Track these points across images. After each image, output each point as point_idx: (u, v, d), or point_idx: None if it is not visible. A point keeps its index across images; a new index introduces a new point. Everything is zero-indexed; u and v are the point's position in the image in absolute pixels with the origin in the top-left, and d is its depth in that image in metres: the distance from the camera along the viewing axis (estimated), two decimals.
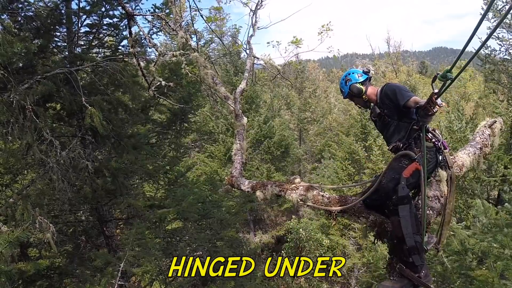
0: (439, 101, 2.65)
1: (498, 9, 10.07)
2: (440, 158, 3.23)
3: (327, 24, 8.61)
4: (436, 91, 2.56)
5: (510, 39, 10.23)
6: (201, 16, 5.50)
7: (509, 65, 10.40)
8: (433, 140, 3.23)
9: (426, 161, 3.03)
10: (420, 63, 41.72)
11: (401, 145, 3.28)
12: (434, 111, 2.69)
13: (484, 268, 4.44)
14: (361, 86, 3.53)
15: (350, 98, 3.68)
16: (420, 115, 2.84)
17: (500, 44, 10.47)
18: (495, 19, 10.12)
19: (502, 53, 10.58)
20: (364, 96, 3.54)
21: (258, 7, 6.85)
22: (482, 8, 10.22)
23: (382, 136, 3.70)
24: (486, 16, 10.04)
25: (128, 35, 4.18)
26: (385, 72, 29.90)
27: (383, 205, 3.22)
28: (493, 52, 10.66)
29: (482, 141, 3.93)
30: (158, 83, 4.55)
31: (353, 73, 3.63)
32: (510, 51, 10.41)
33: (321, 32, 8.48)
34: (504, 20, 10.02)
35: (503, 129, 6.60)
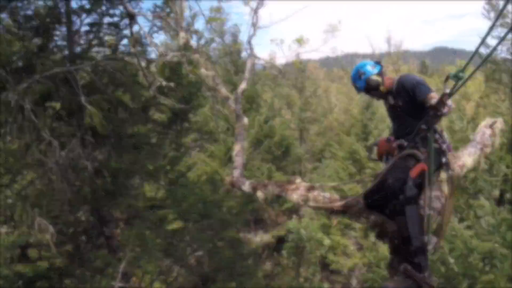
0: (449, 102, 2.58)
1: (499, 8, 10.04)
2: (443, 160, 3.15)
3: (335, 25, 8.57)
4: (447, 91, 2.51)
5: (511, 38, 10.19)
6: (203, 14, 5.49)
7: (511, 64, 10.35)
8: (439, 141, 3.15)
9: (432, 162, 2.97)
10: (421, 62, 41.60)
11: (405, 144, 3.20)
12: (444, 112, 2.64)
13: (488, 269, 4.41)
14: (378, 78, 3.40)
15: (367, 92, 3.54)
16: (429, 115, 2.80)
17: (501, 44, 10.43)
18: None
19: (504, 53, 10.55)
20: (382, 88, 3.39)
21: (259, 6, 6.82)
22: (484, 8, 10.18)
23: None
24: (488, 15, 10.03)
25: (130, 34, 4.17)
26: (386, 72, 29.79)
27: (385, 205, 3.19)
28: (495, 52, 10.62)
29: (483, 141, 3.91)
30: (159, 83, 4.54)
31: (365, 66, 3.47)
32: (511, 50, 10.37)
33: (328, 31, 8.44)
34: (506, 20, 9.99)
35: (504, 129, 6.57)
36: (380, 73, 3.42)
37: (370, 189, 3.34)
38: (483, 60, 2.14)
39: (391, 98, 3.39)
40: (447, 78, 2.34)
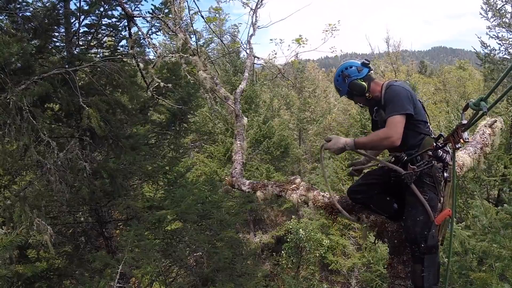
0: (465, 134, 2.28)
1: (497, 8, 10.06)
2: (445, 175, 2.88)
3: (334, 24, 8.59)
4: (464, 122, 2.23)
5: (509, 38, 10.22)
6: (201, 16, 5.50)
7: (509, 64, 10.37)
8: (443, 157, 2.84)
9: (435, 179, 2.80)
10: (420, 62, 41.70)
11: (405, 157, 2.88)
12: (458, 146, 2.35)
13: (484, 269, 4.42)
14: (363, 83, 3.00)
15: (350, 97, 3.18)
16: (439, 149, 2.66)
17: (499, 44, 10.45)
18: (494, 18, 10.11)
19: (502, 53, 10.56)
20: (367, 95, 3.03)
21: (258, 6, 6.82)
22: (482, 8, 10.20)
23: None
24: (486, 15, 10.03)
25: (128, 36, 4.16)
26: (385, 72, 29.90)
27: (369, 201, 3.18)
28: (493, 52, 10.64)
29: (482, 140, 3.91)
30: (157, 84, 4.53)
31: (350, 67, 3.06)
32: (510, 50, 10.39)
33: (327, 30, 8.45)
34: (504, 20, 10.01)
35: (503, 128, 6.59)
36: (366, 77, 3.04)
37: (354, 185, 3.32)
38: (506, 90, 1.71)
39: (376, 110, 3.04)
40: (466, 107, 2.04)
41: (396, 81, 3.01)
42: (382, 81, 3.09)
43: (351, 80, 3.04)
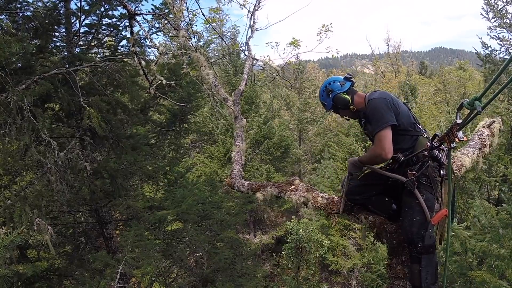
0: (460, 133, 2.29)
1: (498, 9, 10.05)
2: (442, 173, 2.92)
3: (327, 25, 8.63)
4: (459, 121, 2.24)
5: (510, 39, 10.22)
6: (203, 14, 5.51)
7: (509, 65, 10.34)
8: (439, 157, 2.87)
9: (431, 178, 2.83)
10: (420, 63, 41.65)
11: (402, 158, 2.93)
12: (452, 146, 2.34)
13: (484, 269, 4.42)
14: (347, 96, 3.13)
15: (335, 111, 3.30)
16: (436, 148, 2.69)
17: (500, 44, 10.45)
18: (495, 19, 10.10)
19: (502, 53, 10.56)
20: (352, 107, 3.15)
21: (256, 8, 6.84)
22: (483, 8, 10.19)
23: None
24: (487, 16, 10.03)
25: (130, 35, 4.17)
26: (385, 73, 29.92)
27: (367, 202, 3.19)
28: (494, 52, 10.64)
29: (481, 141, 3.91)
30: (159, 82, 4.53)
31: (334, 82, 3.22)
32: (511, 51, 10.39)
33: (320, 33, 8.49)
34: (505, 20, 10.01)
35: (503, 129, 6.58)
36: (350, 91, 3.18)
37: (353, 186, 3.30)
38: (500, 89, 1.71)
39: (364, 123, 3.13)
40: (460, 106, 2.05)
41: (375, 91, 3.10)
42: (364, 93, 3.19)
43: (335, 94, 3.18)
